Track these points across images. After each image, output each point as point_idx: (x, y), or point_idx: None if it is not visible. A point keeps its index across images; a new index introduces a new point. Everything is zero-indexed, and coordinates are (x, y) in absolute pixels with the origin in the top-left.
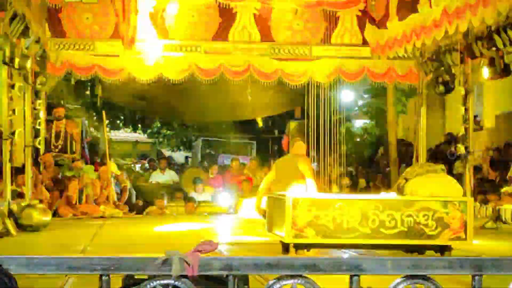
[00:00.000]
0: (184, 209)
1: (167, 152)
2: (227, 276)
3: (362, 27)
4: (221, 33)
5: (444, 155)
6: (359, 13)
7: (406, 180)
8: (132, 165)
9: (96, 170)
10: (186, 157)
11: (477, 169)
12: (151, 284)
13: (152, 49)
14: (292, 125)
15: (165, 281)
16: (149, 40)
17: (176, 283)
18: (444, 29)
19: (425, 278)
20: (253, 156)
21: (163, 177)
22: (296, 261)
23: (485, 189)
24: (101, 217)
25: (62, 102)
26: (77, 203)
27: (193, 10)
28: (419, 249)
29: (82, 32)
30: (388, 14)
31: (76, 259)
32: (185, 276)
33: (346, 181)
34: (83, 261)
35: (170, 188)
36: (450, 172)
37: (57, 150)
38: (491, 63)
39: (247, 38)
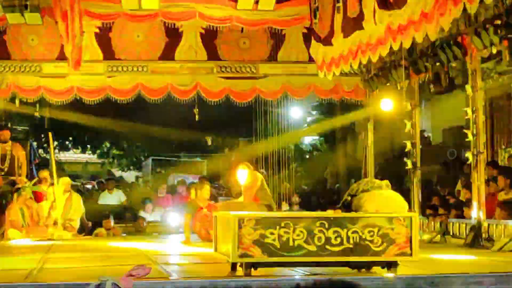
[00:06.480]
0: (133, 229)
1: (117, 172)
2: None
3: (308, 44)
4: (168, 53)
5: (392, 170)
6: (305, 30)
7: (351, 196)
8: (82, 186)
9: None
10: (137, 177)
11: (427, 183)
12: None
13: (98, 70)
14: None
15: None
16: (95, 61)
17: None
18: (388, 45)
19: None
20: (202, 175)
21: (111, 197)
22: (230, 284)
23: (433, 203)
24: (49, 239)
25: (9, 124)
26: (23, 226)
27: (138, 30)
28: (366, 266)
29: (27, 54)
30: (333, 31)
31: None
32: None
33: (295, 198)
34: None
35: (119, 208)
36: (400, 186)
37: (2, 173)
38: (436, 78)
39: (193, 57)
